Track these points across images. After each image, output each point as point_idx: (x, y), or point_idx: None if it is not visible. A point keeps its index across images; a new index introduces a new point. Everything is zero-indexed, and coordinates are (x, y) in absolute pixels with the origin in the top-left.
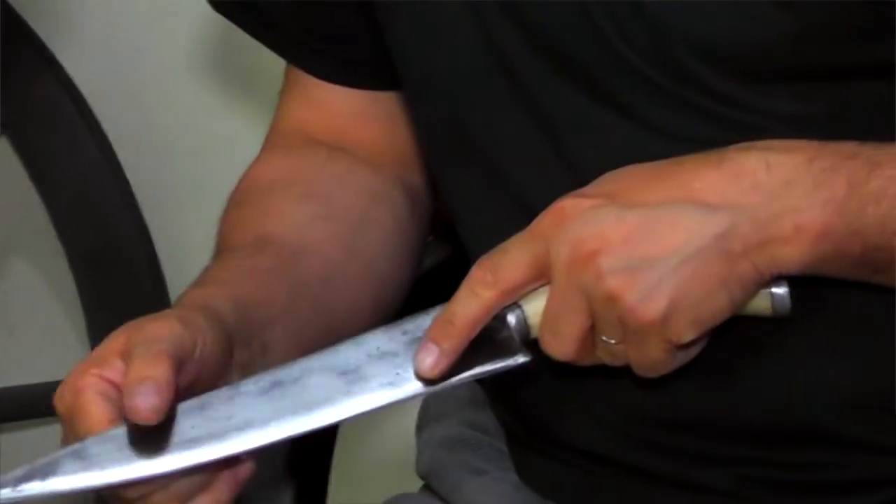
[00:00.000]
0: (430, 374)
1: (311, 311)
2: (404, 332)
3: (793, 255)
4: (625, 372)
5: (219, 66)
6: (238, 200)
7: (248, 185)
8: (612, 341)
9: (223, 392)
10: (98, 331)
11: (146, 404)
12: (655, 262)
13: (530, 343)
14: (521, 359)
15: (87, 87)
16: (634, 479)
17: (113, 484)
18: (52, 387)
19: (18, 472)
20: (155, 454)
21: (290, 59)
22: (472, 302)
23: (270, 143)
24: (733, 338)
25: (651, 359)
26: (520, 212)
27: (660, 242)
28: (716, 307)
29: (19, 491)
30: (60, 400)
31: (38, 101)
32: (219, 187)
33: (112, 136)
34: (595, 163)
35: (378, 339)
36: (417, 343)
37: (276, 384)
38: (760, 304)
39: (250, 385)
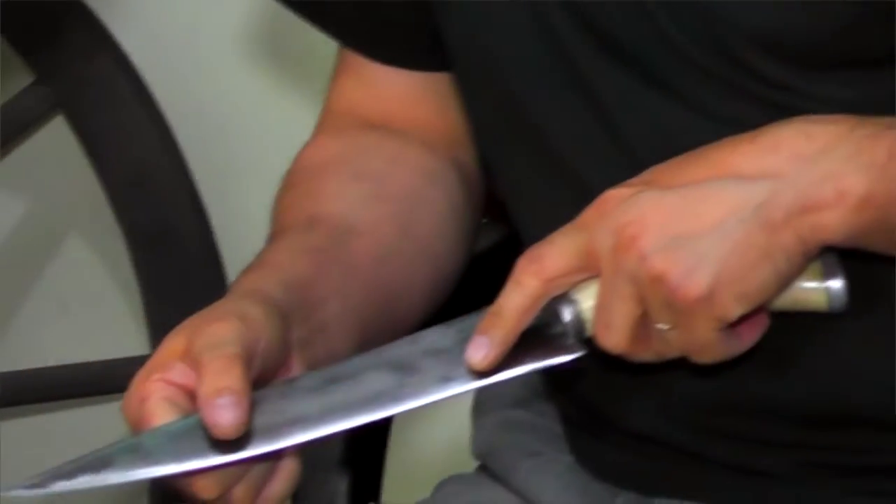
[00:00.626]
0: (480, 366)
1: (365, 290)
2: (459, 331)
3: (836, 222)
4: (682, 361)
5: (274, 47)
6: (290, 182)
7: (300, 166)
8: (666, 328)
9: (278, 388)
10: (154, 309)
11: (228, 420)
12: (697, 239)
13: (585, 340)
14: (574, 354)
15: (143, 65)
16: (691, 463)
17: (165, 476)
18: (106, 365)
19: (72, 464)
20: (207, 449)
21: (344, 42)
22: (518, 292)
23: (323, 124)
24: (790, 322)
25: (701, 341)
26: (574, 194)
27: (700, 219)
28: (761, 280)
29: (74, 483)
30: (127, 408)
31: (94, 79)
32: (275, 167)
33: (168, 115)
34: (648, 146)
35: (432, 337)
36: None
37: (332, 380)
38: (816, 299)
39: (305, 381)
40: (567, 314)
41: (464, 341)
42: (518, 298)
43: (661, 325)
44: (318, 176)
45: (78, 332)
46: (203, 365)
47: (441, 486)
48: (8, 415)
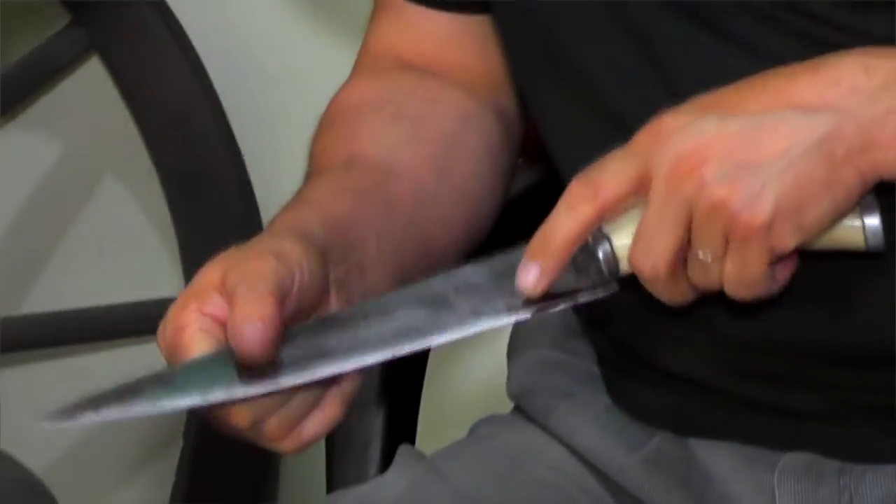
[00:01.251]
0: (531, 292)
1: (404, 230)
2: (492, 267)
3: (893, 158)
4: (720, 298)
5: None
6: (329, 122)
7: (337, 107)
8: (709, 258)
9: (308, 324)
10: (189, 250)
11: (254, 341)
12: (759, 168)
13: (618, 277)
14: (608, 292)
15: (178, 7)
16: (726, 403)
17: (191, 406)
18: (142, 306)
19: (99, 394)
20: (233, 380)
21: None
22: (570, 217)
23: (360, 66)
24: (830, 262)
25: (751, 272)
26: (617, 133)
27: (762, 148)
28: (819, 212)
29: (101, 414)
30: (163, 337)
31: (129, 20)
32: (310, 109)
33: (204, 56)
34: (694, 85)
35: (465, 273)
36: (504, 277)
37: (364, 315)
38: (854, 237)
39: (336, 317)
40: (601, 250)
41: (497, 277)
42: (570, 223)
43: (705, 256)
44: (357, 117)
45: (114, 272)
46: (236, 297)
47: (476, 426)
48: (47, 355)
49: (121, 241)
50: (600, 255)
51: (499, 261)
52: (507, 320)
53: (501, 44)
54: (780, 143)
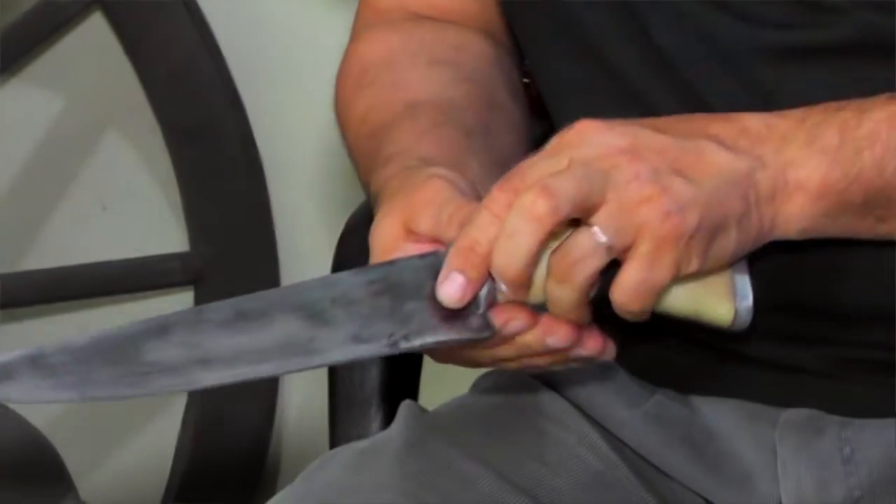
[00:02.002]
0: (456, 304)
1: (486, 156)
2: (370, 283)
3: (795, 212)
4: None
5: None
6: (361, 81)
7: (361, 63)
8: (605, 241)
9: (188, 315)
10: (192, 205)
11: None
12: (690, 181)
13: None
14: (484, 334)
15: None
16: (728, 360)
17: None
18: (145, 262)
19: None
20: (113, 379)
21: None
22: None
23: (367, 21)
24: None
25: (656, 279)
26: (619, 92)
27: (692, 165)
28: (726, 245)
29: None
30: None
31: None
32: (311, 64)
33: (207, 11)
34: (683, 47)
35: (344, 285)
36: (382, 296)
37: (241, 315)
38: (722, 313)
39: (214, 313)
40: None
41: (375, 296)
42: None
43: (600, 240)
44: (393, 69)
45: (117, 228)
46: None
47: (478, 382)
48: (49, 311)
49: (124, 197)
50: (484, 291)
51: (376, 275)
52: (384, 352)
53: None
54: (708, 168)
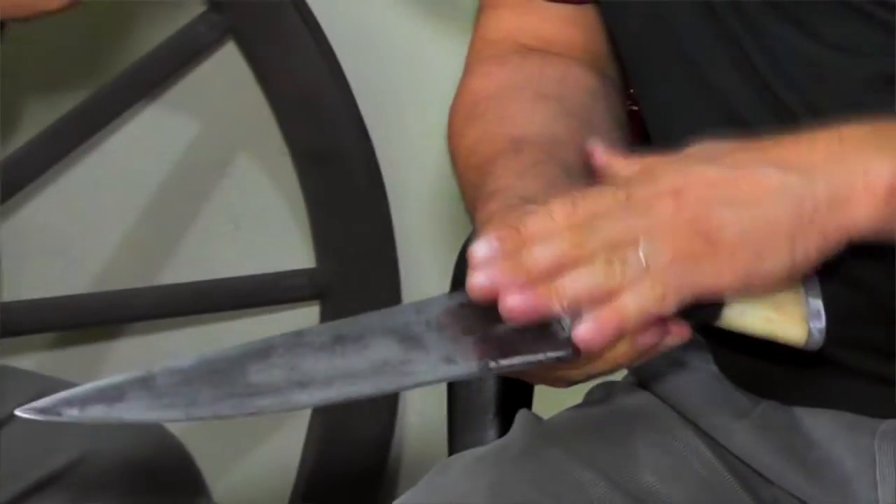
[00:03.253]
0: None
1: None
2: (461, 307)
3: (862, 215)
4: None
5: None
6: (471, 114)
7: (473, 98)
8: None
9: (287, 339)
10: (319, 225)
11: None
12: (732, 205)
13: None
14: (565, 351)
15: None
16: (830, 372)
17: (166, 420)
18: (274, 277)
19: (86, 392)
20: (211, 400)
21: None
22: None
23: (480, 54)
24: None
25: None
26: (720, 112)
27: (737, 191)
28: (775, 264)
29: (85, 413)
30: None
31: (264, 7)
32: (432, 93)
33: (334, 42)
34: (782, 71)
35: (436, 309)
36: (472, 320)
37: (338, 338)
38: (796, 332)
39: (313, 336)
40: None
41: (465, 319)
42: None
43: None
44: (502, 103)
45: (248, 245)
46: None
47: (591, 392)
48: (186, 323)
49: (254, 216)
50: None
51: (466, 297)
52: (475, 373)
53: (607, 28)
54: (755, 190)
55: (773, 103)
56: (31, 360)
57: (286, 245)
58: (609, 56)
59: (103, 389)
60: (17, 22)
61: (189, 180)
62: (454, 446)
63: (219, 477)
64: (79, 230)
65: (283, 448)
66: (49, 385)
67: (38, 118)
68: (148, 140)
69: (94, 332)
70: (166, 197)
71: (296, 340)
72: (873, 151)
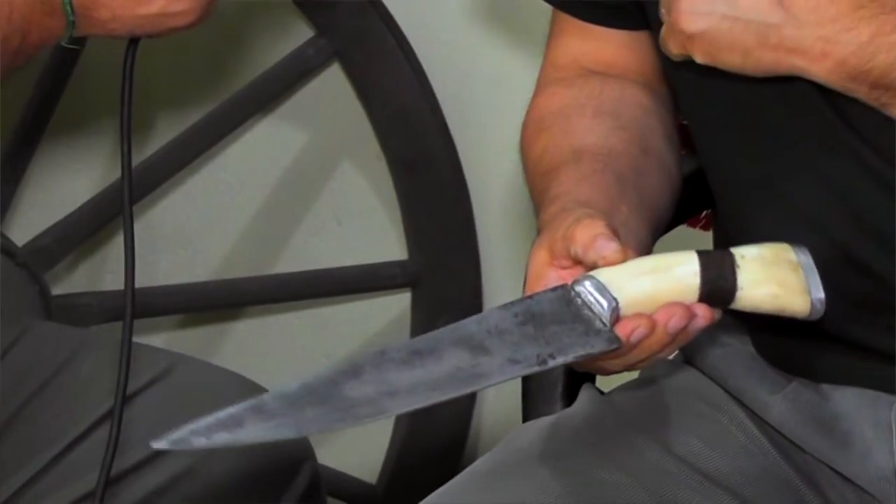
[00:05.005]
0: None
1: (636, 197)
2: (516, 315)
3: (808, 70)
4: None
5: (507, 11)
6: (539, 127)
7: (541, 114)
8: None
9: (371, 357)
10: (411, 223)
11: (612, 248)
12: (715, 2)
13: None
14: (614, 345)
15: (405, 22)
16: (855, 353)
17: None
18: (371, 268)
19: (207, 422)
20: (322, 416)
21: (574, 14)
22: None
23: (549, 76)
24: None
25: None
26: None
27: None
28: (729, 58)
29: (212, 440)
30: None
31: (364, 33)
32: (511, 108)
33: (425, 63)
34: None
35: (494, 318)
36: (527, 325)
37: (416, 353)
38: (800, 305)
39: (393, 353)
40: (596, 297)
41: (521, 324)
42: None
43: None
44: (565, 118)
45: (349, 240)
46: (575, 233)
47: (645, 370)
48: (296, 307)
49: (355, 214)
50: (608, 311)
51: (519, 307)
52: (536, 370)
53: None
54: (742, 1)
55: (814, 114)
56: (161, 338)
57: (382, 239)
58: (660, 77)
59: (223, 419)
60: (149, 38)
61: (298, 183)
62: (527, 415)
63: (319, 444)
64: (203, 225)
65: (375, 424)
66: (176, 360)
67: (168, 128)
68: (263, 148)
69: (215, 315)
70: (279, 197)
71: (380, 359)
72: (839, 30)
